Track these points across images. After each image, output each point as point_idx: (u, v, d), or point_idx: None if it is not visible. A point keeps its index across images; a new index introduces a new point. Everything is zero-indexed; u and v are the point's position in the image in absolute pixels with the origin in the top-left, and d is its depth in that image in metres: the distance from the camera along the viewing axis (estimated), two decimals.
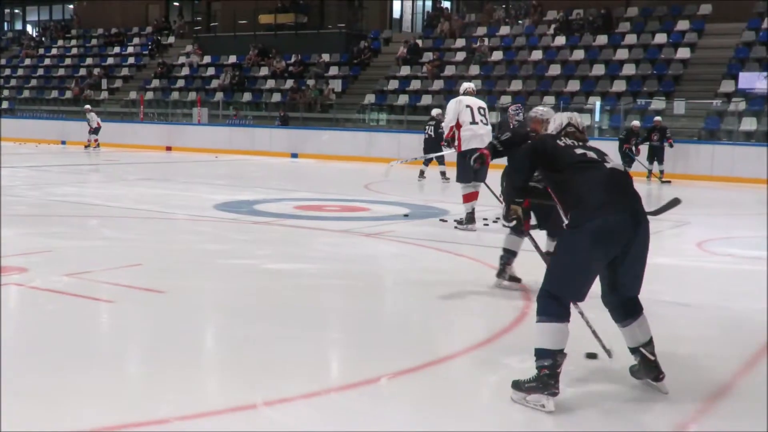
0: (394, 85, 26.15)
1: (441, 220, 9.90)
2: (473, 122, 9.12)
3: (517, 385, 3.70)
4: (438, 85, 25.20)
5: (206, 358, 4.58)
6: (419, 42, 27.74)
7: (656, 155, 17.49)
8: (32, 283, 5.90)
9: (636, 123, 17.81)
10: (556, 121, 4.24)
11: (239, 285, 6.25)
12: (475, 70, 25.33)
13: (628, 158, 16.92)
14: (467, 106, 9.19)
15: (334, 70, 28.17)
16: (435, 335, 5.07)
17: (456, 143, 9.23)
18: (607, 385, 3.99)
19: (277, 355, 4.42)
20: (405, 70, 26.62)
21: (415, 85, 25.66)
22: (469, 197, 9.28)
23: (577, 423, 3.55)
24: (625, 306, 3.88)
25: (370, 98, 25.84)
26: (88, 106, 25.01)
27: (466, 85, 9.62)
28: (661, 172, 17.47)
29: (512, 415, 3.60)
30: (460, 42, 27.20)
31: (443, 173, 15.63)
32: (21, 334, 4.88)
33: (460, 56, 26.48)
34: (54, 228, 9.03)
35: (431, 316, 5.50)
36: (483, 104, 9.39)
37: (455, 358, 4.46)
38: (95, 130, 24.14)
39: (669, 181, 17.21)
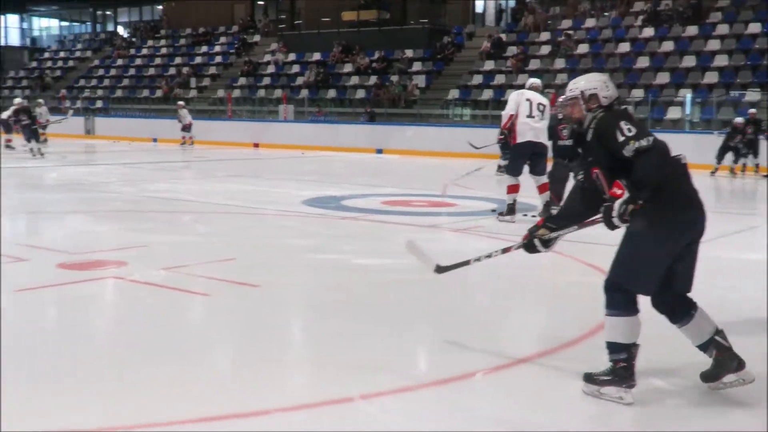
0: (477, 80, 26.01)
1: (532, 215, 9.82)
2: (530, 116, 9.30)
3: (590, 378, 3.70)
4: (522, 79, 24.84)
5: (298, 351, 4.66)
6: (503, 36, 27.53)
7: (752, 148, 16.96)
8: (131, 276, 6.10)
9: (739, 120, 17.23)
10: (599, 91, 3.79)
11: (329, 280, 6.32)
12: (560, 63, 25.02)
13: (736, 152, 16.76)
14: (527, 99, 9.39)
15: (417, 66, 28.19)
16: (524, 332, 5.04)
17: (512, 135, 9.43)
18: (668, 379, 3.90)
19: (367, 350, 4.47)
20: (489, 65, 26.46)
21: (500, 79, 25.47)
22: (513, 189, 9.44)
23: (654, 414, 3.54)
24: (681, 302, 3.77)
25: (453, 93, 25.78)
26: (181, 103, 25.60)
27: (531, 81, 9.89)
28: (757, 165, 16.94)
29: (588, 408, 3.61)
30: (545, 35, 26.89)
31: (500, 166, 15.39)
32: (121, 326, 5.05)
33: (545, 50, 26.17)
34: (149, 223, 9.29)
35: (520, 312, 5.47)
36: (544, 101, 9.51)
37: (545, 356, 4.42)
38: (186, 127, 24.68)
39: (767, 175, 16.67)
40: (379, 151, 23.16)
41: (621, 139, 3.52)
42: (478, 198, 11.91)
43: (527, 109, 9.30)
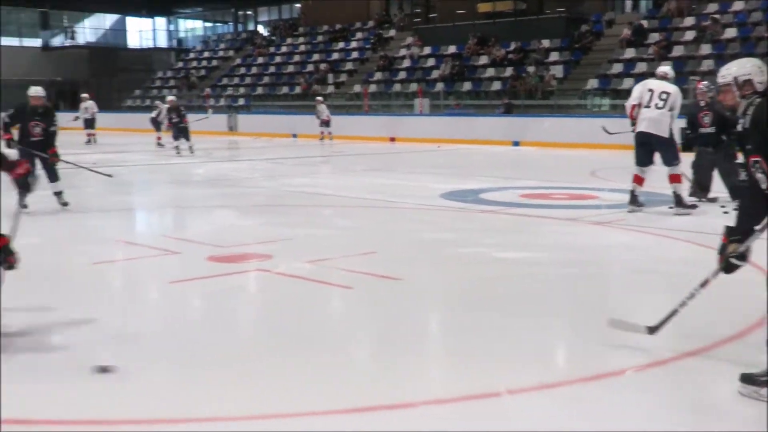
0: (617, 68, 25.31)
1: (669, 207, 9.50)
2: (647, 105, 9.10)
3: (748, 379, 3.52)
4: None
5: (441, 345, 4.67)
6: (644, 23, 26.67)
7: None
8: (277, 269, 6.27)
9: None
10: (753, 76, 3.69)
11: (470, 273, 6.31)
12: (706, 49, 24.00)
13: None
14: (650, 89, 9.21)
15: (554, 56, 27.69)
16: (674, 328, 4.87)
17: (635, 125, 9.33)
18: None
19: (510, 344, 4.43)
20: (629, 53, 25.69)
21: (641, 67, 24.67)
22: (635, 179, 9.29)
23: None
24: None
25: (592, 83, 25.18)
26: (319, 98, 26.12)
27: (660, 69, 9.66)
28: None
29: (745, 410, 3.41)
30: (689, 20, 25.87)
31: None
32: (268, 317, 5.20)
33: (689, 35, 25.19)
34: (291, 217, 9.53)
35: (667, 309, 5.28)
36: (669, 89, 9.19)
37: (698, 355, 4.25)
38: (325, 123, 25.13)
39: None
40: (516, 144, 22.91)
41: None
42: (620, 190, 11.59)
43: (647, 99, 9.14)
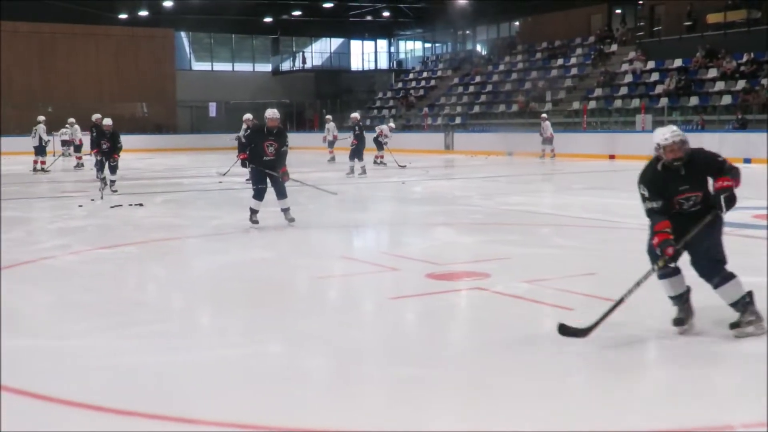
0: None
1: None
2: None
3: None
4: None
5: (663, 375, 4.43)
6: None
7: None
8: (495, 288, 6.23)
9: None
10: None
11: (695, 297, 5.94)
12: None
13: None
14: None
15: None
16: None
17: None
18: None
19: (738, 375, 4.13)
20: None
21: None
22: None
23: None
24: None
25: None
26: (543, 115, 25.84)
27: None
28: None
29: None
30: None
31: None
32: (485, 337, 5.14)
33: None
34: (508, 235, 9.45)
35: None
36: None
37: None
38: (547, 140, 24.91)
39: None
40: (747, 161, 21.52)
41: None
42: None
43: None
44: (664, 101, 27.57)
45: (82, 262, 7.88)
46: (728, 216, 5.03)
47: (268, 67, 47.40)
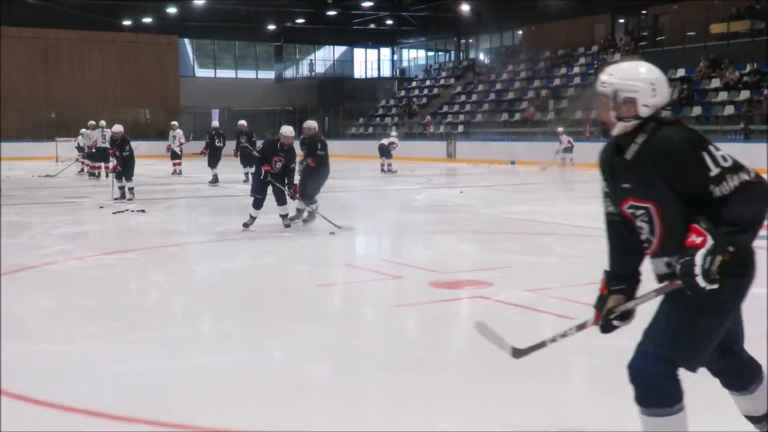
0: None
1: None
2: None
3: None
4: None
5: None
6: None
7: None
8: (497, 297, 6.22)
9: None
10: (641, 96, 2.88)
11: None
12: None
13: None
14: None
15: None
16: None
17: None
18: None
19: None
20: None
21: None
22: None
23: None
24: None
25: None
26: (560, 129, 25.57)
27: None
28: None
29: None
30: None
31: None
32: (486, 345, 5.13)
33: None
34: (509, 244, 9.45)
35: None
36: None
37: None
38: (568, 149, 24.75)
39: None
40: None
41: None
42: None
43: None
44: (666, 111, 27.52)
45: (85, 268, 7.88)
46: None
47: (271, 75, 47.44)
